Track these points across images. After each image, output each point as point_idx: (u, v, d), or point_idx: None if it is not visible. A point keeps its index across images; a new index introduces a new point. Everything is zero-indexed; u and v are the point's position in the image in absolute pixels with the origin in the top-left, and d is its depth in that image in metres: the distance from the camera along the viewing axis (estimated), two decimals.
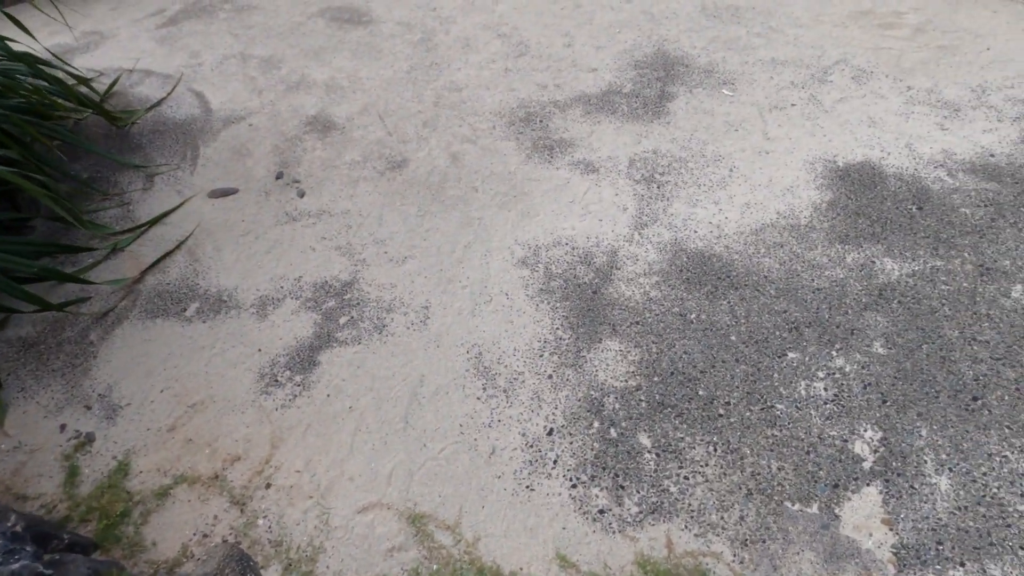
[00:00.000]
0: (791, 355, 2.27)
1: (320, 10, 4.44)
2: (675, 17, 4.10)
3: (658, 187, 2.96)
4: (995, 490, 1.88)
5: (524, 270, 2.64)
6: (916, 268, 2.51)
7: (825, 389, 2.16)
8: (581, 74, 3.69)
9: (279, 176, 3.17)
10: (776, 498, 1.92)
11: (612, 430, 2.11)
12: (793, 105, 3.35)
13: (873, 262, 2.55)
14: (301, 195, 3.06)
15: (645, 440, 2.07)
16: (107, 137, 3.42)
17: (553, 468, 2.03)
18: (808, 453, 2.01)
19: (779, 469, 1.98)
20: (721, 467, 2.00)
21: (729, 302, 2.45)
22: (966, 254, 2.54)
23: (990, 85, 3.34)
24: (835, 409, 2.11)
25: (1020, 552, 1.75)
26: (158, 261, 2.79)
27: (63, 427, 2.23)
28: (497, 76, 3.73)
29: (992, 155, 2.94)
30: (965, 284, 2.43)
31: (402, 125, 3.43)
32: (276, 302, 2.59)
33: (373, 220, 2.91)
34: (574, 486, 1.99)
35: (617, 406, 2.17)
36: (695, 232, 2.74)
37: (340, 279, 2.67)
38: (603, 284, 2.56)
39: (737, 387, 2.19)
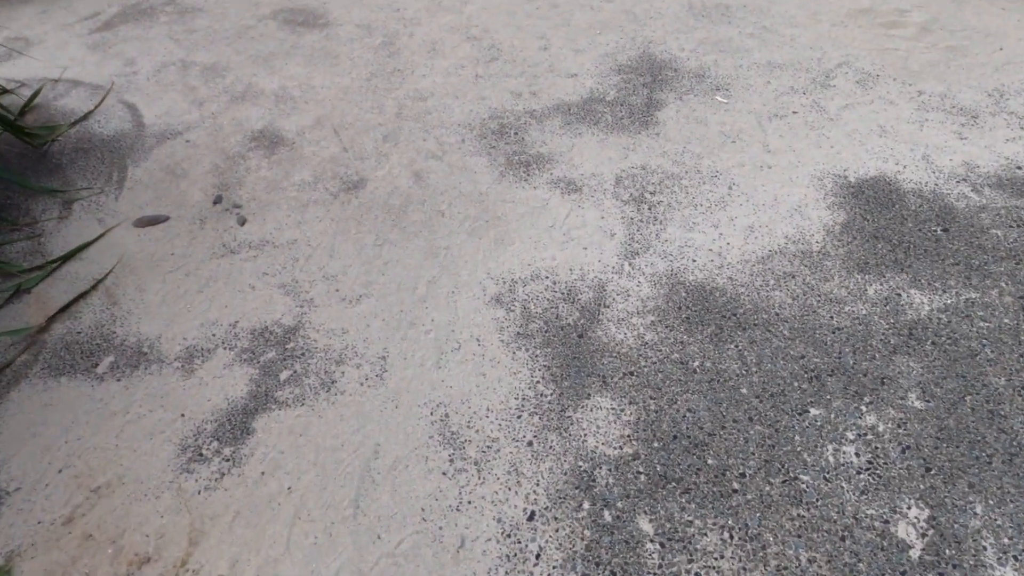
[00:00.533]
0: (813, 412, 1.92)
1: (272, 12, 4.03)
2: (660, 17, 3.76)
3: (649, 208, 2.61)
4: None
5: (498, 310, 2.27)
6: (948, 301, 2.18)
7: (857, 454, 1.82)
8: (559, 80, 3.33)
9: (217, 200, 2.76)
10: None
11: (606, 512, 1.74)
12: (794, 113, 3.02)
13: (899, 295, 2.22)
14: (242, 222, 2.66)
15: (646, 525, 1.71)
16: (22, 157, 2.99)
17: (535, 565, 1.66)
18: (843, 539, 1.65)
19: (810, 561, 1.62)
20: (739, 560, 1.64)
21: (737, 346, 2.10)
22: (1003, 283, 2.21)
23: (1008, 89, 3.04)
24: (871, 480, 1.76)
25: None
26: (69, 305, 2.38)
27: None
28: (466, 83, 3.35)
29: (1019, 167, 2.63)
30: (1006, 320, 2.10)
31: (359, 139, 3.04)
32: (206, 354, 2.19)
33: (323, 251, 2.53)
34: None
35: (611, 480, 1.80)
36: (694, 261, 2.38)
37: (283, 324, 2.27)
38: (590, 326, 2.19)
39: (753, 453, 1.83)
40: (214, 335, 2.25)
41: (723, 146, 2.88)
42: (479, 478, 1.83)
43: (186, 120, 3.21)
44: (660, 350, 2.11)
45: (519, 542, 1.70)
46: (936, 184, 2.61)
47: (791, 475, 1.78)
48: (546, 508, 1.76)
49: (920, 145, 2.80)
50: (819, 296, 2.23)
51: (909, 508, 1.70)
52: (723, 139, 2.91)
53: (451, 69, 3.46)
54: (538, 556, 1.67)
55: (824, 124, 2.95)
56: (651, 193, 2.67)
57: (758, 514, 1.71)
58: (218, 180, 2.87)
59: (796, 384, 1.99)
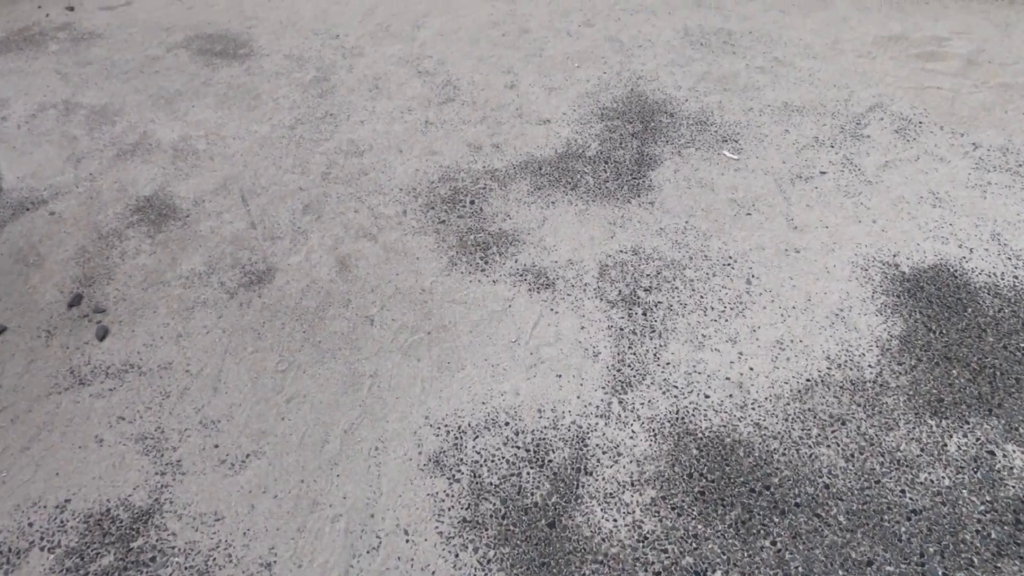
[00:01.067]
0: None
1: (185, 39, 3.35)
2: (651, 45, 3.13)
3: (644, 313, 1.97)
4: None
5: (437, 479, 1.62)
6: None
7: None
8: (529, 128, 2.69)
9: (75, 302, 2.09)
10: None
11: None
12: (823, 173, 2.40)
13: (991, 453, 1.60)
14: (102, 336, 1.99)
15: None
16: None
17: None
18: None
19: None
20: None
21: (775, 542, 1.47)
22: None
23: None
24: None
25: None
26: None
27: None
28: (414, 132, 2.70)
29: None
30: None
31: (273, 211, 2.38)
32: (13, 559, 1.52)
33: (206, 381, 1.86)
34: None
35: None
36: (706, 397, 1.75)
37: (132, 505, 1.61)
38: (565, 507, 1.55)
39: None
40: (31, 525, 1.58)
41: (736, 220, 2.25)
42: None
43: (56, 184, 2.53)
44: (665, 549, 1.47)
45: None
46: (1016, 276, 2.00)
47: None
48: None
49: (986, 219, 2.19)
50: (882, 455, 1.61)
51: None
52: (735, 210, 2.28)
53: (396, 113, 2.81)
54: None
55: (861, 189, 2.33)
56: (646, 290, 2.04)
57: None
58: (81, 271, 2.20)
59: None
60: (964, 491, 1.54)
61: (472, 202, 2.38)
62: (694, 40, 3.15)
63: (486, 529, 1.53)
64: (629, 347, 1.89)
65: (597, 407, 1.75)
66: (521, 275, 2.11)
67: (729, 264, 2.10)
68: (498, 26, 3.33)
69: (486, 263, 2.15)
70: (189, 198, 2.45)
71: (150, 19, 3.51)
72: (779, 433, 1.67)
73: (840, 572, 1.43)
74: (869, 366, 1.81)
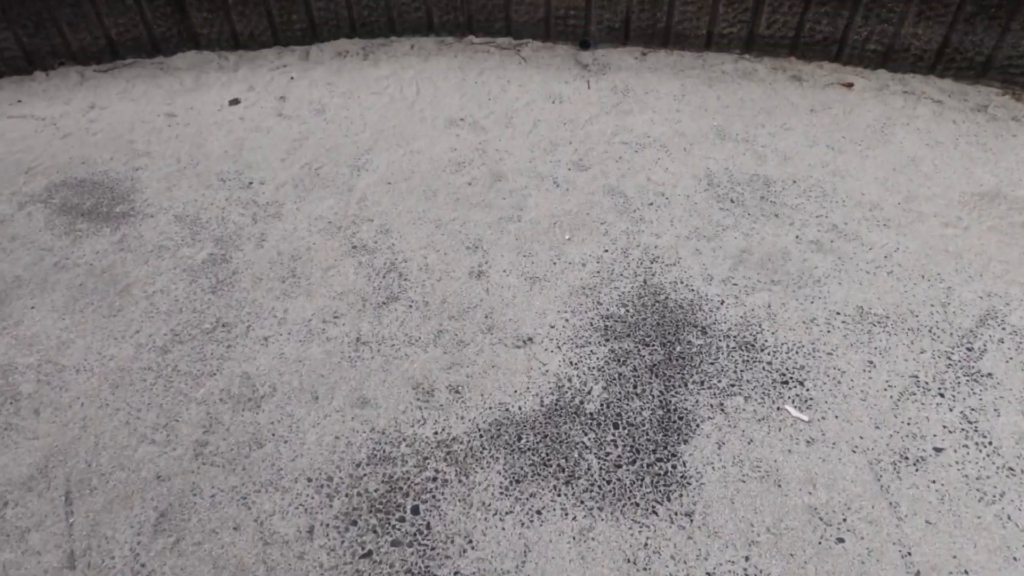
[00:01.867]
0: None
1: (47, 188, 2.53)
2: (665, 203, 2.35)
3: None
4: None
5: None
6: None
7: None
8: (502, 354, 1.88)
9: None
10: None
11: None
12: (938, 451, 1.61)
13: None
14: None
15: None
16: None
17: None
18: None
19: None
20: None
21: None
22: None
23: None
24: None
25: None
26: None
27: None
28: (338, 360, 1.89)
29: None
30: None
31: (110, 525, 1.54)
32: None
33: None
34: None
35: None
36: None
37: None
38: None
39: None
40: None
41: (823, 554, 1.44)
42: None
43: None
44: None
45: None
46: None
47: None
48: None
49: None
50: None
51: None
52: (819, 531, 1.48)
53: (316, 324, 1.99)
54: None
55: (1003, 485, 1.54)
56: None
57: None
58: None
59: None
60: None
61: (415, 509, 1.55)
62: (722, 194, 2.37)
63: None
64: None
65: None
66: None
67: None
68: (463, 168, 2.53)
69: None
70: None
71: (8, 154, 2.69)
72: None
73: None
74: None
